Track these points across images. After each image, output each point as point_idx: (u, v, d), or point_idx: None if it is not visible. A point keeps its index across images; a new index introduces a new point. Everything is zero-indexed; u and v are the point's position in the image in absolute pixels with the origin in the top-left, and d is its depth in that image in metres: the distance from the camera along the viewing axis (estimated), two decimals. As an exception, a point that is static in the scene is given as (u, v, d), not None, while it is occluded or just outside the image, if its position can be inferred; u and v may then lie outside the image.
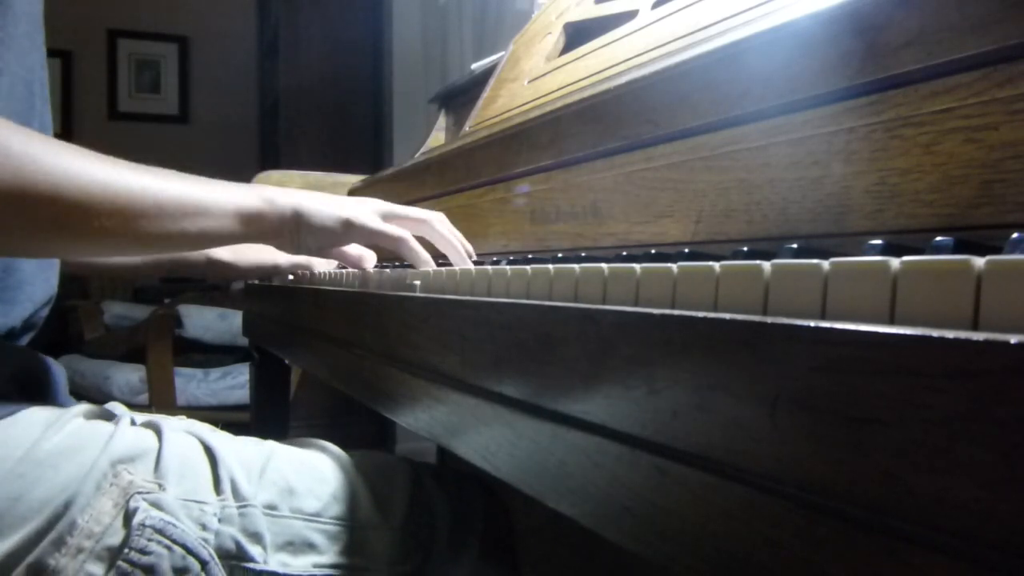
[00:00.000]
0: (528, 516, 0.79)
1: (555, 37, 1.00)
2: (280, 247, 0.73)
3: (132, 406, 0.86)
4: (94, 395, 2.25)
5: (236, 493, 0.59)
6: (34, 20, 0.67)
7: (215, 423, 0.84)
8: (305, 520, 0.62)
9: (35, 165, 0.53)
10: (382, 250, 0.80)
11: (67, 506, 0.54)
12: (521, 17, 1.89)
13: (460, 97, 1.44)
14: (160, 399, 2.31)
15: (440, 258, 0.79)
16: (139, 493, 0.56)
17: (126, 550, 0.54)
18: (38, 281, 0.70)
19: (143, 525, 0.55)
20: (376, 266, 0.84)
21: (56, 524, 0.54)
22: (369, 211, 0.75)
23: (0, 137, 0.52)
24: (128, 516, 0.55)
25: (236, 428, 0.84)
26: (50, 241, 0.59)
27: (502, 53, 1.19)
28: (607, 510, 0.33)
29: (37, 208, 0.54)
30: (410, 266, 0.77)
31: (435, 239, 0.76)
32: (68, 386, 0.75)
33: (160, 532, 0.55)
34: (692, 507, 0.29)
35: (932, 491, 0.20)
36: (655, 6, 0.78)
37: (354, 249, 0.79)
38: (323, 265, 0.98)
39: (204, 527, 0.57)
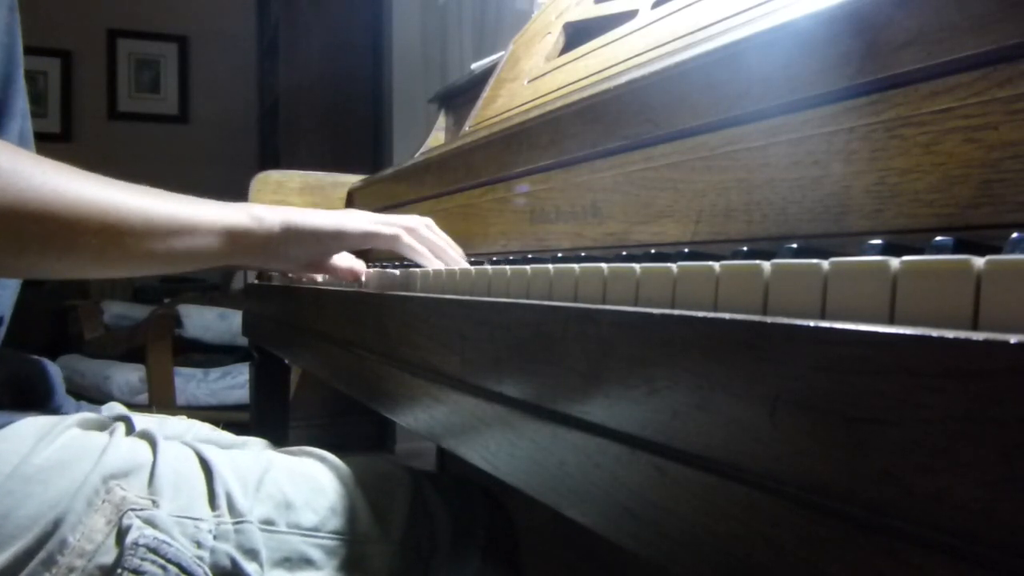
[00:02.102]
0: (528, 516, 0.79)
1: (555, 37, 1.01)
2: (266, 265, 0.72)
3: (132, 406, 0.86)
4: (94, 395, 2.25)
5: (232, 508, 0.59)
6: None
7: (215, 423, 0.84)
8: (303, 535, 0.61)
9: (24, 183, 0.52)
10: (380, 253, 0.80)
11: (57, 524, 0.53)
12: (521, 17, 1.89)
13: (460, 97, 1.44)
14: (160, 399, 2.31)
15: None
16: (132, 510, 0.55)
17: (119, 570, 0.53)
18: None
19: (136, 544, 0.54)
20: (377, 266, 0.84)
21: (46, 543, 0.53)
22: (358, 216, 0.75)
23: None
24: (121, 534, 0.54)
25: (236, 428, 0.84)
26: (38, 260, 0.58)
27: (502, 53, 1.19)
28: (607, 510, 0.33)
29: (25, 227, 0.53)
30: (411, 265, 0.77)
31: (427, 245, 0.76)
32: (66, 386, 0.75)
33: (154, 551, 0.54)
34: (692, 507, 0.29)
35: (932, 491, 0.20)
36: (655, 6, 0.78)
37: (344, 261, 0.78)
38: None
39: (199, 544, 0.56)
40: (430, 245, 0.76)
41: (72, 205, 0.55)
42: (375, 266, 0.95)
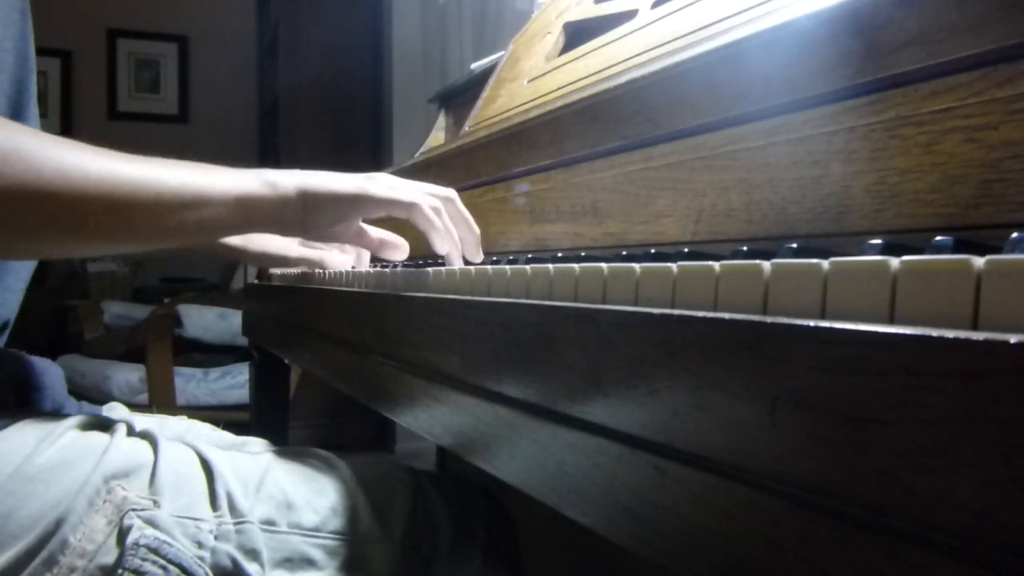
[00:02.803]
0: (528, 516, 0.79)
1: (555, 37, 1.00)
2: (285, 232, 0.68)
3: (132, 406, 0.86)
4: (94, 395, 2.25)
5: (233, 508, 0.59)
6: None
7: (215, 423, 0.84)
8: (303, 535, 0.61)
9: (25, 163, 0.50)
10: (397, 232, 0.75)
11: (59, 524, 0.53)
12: (521, 17, 1.89)
13: (460, 97, 1.44)
14: (160, 399, 2.31)
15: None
16: (133, 510, 0.56)
17: (120, 570, 0.53)
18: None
19: (137, 544, 0.54)
20: (377, 265, 0.84)
21: (47, 543, 0.53)
22: (381, 181, 0.71)
23: None
24: (122, 534, 0.54)
25: (236, 428, 0.84)
26: (40, 242, 0.56)
27: (502, 53, 1.19)
28: (607, 510, 0.33)
29: (27, 208, 0.52)
30: (410, 265, 0.77)
31: (447, 224, 0.71)
32: (67, 386, 0.75)
33: (155, 551, 0.54)
34: (692, 507, 0.29)
35: (932, 491, 0.20)
36: (655, 6, 0.78)
37: (374, 232, 0.73)
38: (337, 263, 0.94)
39: (200, 545, 0.56)
40: (449, 225, 0.71)
41: (77, 184, 0.53)
42: (376, 266, 0.95)
